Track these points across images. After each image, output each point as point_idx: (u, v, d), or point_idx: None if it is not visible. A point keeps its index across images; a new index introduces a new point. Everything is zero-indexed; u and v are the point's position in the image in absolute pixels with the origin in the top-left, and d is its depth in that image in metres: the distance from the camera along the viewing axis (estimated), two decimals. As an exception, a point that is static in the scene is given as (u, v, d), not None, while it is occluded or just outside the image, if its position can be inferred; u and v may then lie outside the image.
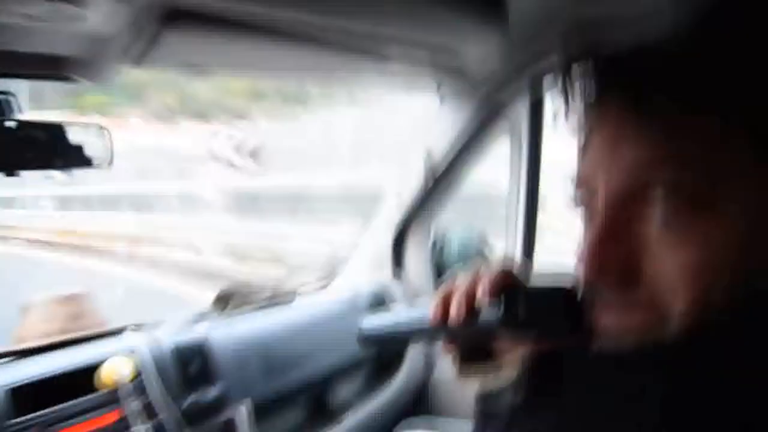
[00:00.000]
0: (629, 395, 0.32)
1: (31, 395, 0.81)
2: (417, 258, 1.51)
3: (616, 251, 0.33)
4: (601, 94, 0.35)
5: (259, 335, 1.13)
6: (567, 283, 0.39)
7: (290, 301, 1.34)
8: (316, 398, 1.24)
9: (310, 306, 1.32)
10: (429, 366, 1.47)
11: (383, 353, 1.36)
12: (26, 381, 0.83)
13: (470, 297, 0.44)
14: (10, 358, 0.90)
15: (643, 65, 0.33)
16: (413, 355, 1.42)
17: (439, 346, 0.53)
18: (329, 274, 1.62)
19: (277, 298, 1.32)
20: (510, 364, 0.48)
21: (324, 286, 1.58)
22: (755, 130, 0.30)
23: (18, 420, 0.78)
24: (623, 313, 0.35)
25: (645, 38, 0.34)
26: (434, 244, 1.55)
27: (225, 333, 1.08)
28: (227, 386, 1.00)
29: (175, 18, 0.60)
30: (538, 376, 0.43)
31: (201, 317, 1.21)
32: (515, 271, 0.44)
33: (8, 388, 0.80)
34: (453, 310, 0.44)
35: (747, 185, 0.30)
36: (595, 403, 0.34)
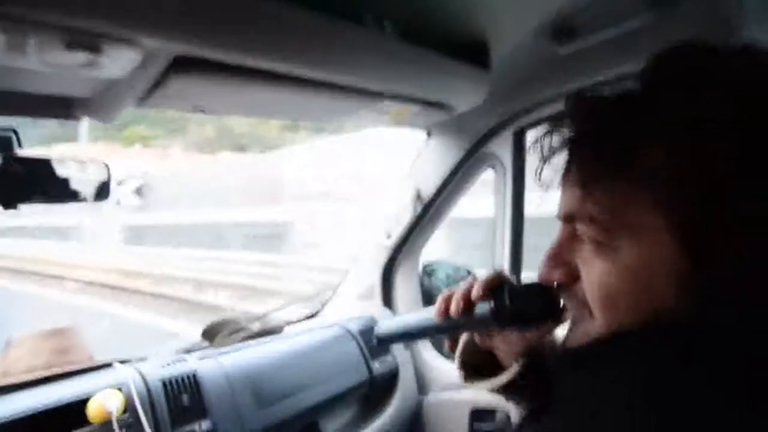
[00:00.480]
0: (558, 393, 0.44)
1: (22, 431, 0.80)
2: (406, 288, 1.54)
3: (557, 265, 0.45)
4: (563, 152, 0.45)
5: (249, 367, 1.13)
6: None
7: (279, 332, 1.34)
8: (310, 428, 1.23)
9: (300, 336, 1.32)
10: (422, 393, 1.47)
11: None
12: (12, 417, 0.82)
13: (467, 294, 0.54)
14: (-4, 393, 0.88)
15: (582, 137, 0.42)
16: (405, 383, 1.43)
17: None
18: (318, 304, 1.63)
19: (266, 329, 1.32)
20: (507, 366, 0.59)
21: (312, 316, 1.59)
22: (655, 190, 0.37)
23: (4, 458, 0.77)
24: (571, 315, 0.46)
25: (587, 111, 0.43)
26: (422, 274, 1.58)
27: (214, 365, 1.08)
28: (217, 420, 0.99)
29: (182, 64, 0.64)
30: (532, 376, 0.57)
31: (190, 350, 1.21)
32: (503, 273, 0.55)
33: None
34: (453, 305, 0.55)
35: (643, 239, 0.38)
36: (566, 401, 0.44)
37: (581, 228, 0.41)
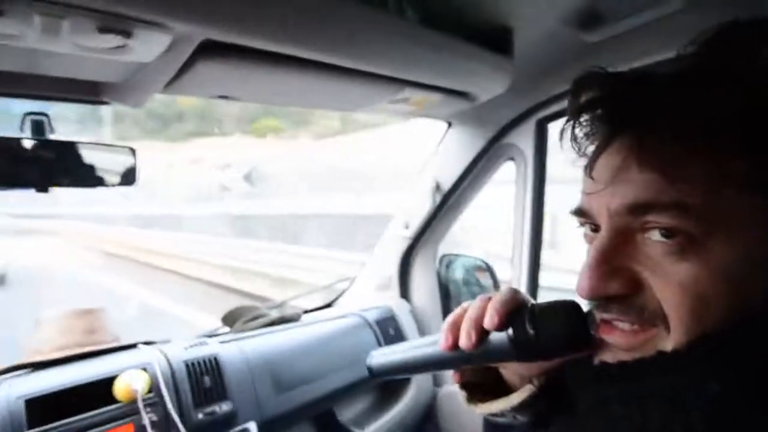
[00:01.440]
0: (634, 403, 0.36)
1: (47, 406, 0.83)
2: (423, 279, 1.54)
3: (611, 274, 0.37)
4: (606, 139, 0.38)
5: (268, 353, 1.15)
6: (571, 300, 0.42)
7: (297, 320, 1.36)
8: (327, 415, 1.25)
9: (318, 324, 1.33)
10: (437, 384, 1.48)
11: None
12: (42, 393, 0.85)
13: (479, 320, 0.44)
14: (28, 370, 0.92)
15: (645, 109, 0.36)
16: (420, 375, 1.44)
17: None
18: (335, 293, 1.65)
19: (284, 317, 1.34)
20: (519, 388, 0.50)
21: (329, 305, 1.60)
22: (755, 171, 0.33)
23: (37, 430, 0.80)
24: (622, 332, 0.38)
25: (645, 80, 0.38)
26: (439, 265, 1.58)
27: (235, 350, 1.10)
28: (237, 402, 1.02)
29: (208, 49, 0.65)
30: (550, 395, 0.47)
31: (210, 334, 1.24)
32: (521, 292, 0.46)
33: (24, 399, 0.82)
34: (463, 335, 0.44)
35: (739, 227, 0.33)
36: (604, 413, 0.38)
37: (663, 220, 0.34)
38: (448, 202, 1.41)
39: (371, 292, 1.57)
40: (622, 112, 0.37)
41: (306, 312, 1.47)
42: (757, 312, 0.33)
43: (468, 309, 0.46)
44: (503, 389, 0.52)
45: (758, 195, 0.33)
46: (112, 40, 0.54)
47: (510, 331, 0.43)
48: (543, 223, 1.26)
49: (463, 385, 0.54)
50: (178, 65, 0.67)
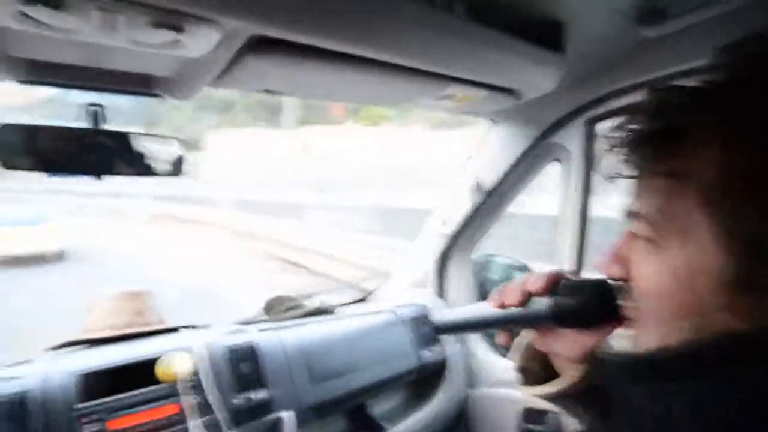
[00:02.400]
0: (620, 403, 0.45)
1: (99, 382, 0.88)
2: (460, 278, 1.52)
3: (615, 260, 0.45)
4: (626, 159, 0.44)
5: (305, 344, 1.16)
6: (606, 279, 0.48)
7: (332, 312, 1.38)
8: (358, 409, 1.26)
9: (354, 319, 1.34)
10: (470, 386, 1.46)
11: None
12: (93, 369, 0.90)
13: (524, 286, 0.53)
14: (81, 346, 0.97)
15: (637, 134, 0.41)
16: (454, 375, 1.42)
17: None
18: (371, 288, 1.65)
19: (319, 309, 1.36)
20: (565, 371, 0.58)
21: (363, 299, 1.61)
22: (705, 193, 0.36)
23: (86, 404, 0.85)
24: (629, 317, 0.45)
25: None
26: (477, 266, 1.55)
27: (273, 339, 1.13)
28: (274, 390, 1.04)
29: (257, 44, 0.66)
30: (587, 388, 0.55)
31: (248, 321, 1.27)
32: (563, 271, 0.54)
33: (81, 373, 0.87)
34: (509, 296, 0.54)
35: (689, 234, 0.37)
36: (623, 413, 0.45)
37: (635, 225, 0.42)
38: (489, 202, 1.38)
39: (407, 288, 1.57)
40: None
41: (341, 305, 1.48)
42: (719, 325, 0.36)
43: (516, 279, 0.55)
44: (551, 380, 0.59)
45: (705, 217, 0.36)
46: (165, 35, 0.56)
47: (549, 300, 0.51)
48: (587, 228, 1.21)
49: (520, 369, 0.63)
50: (227, 60, 0.68)
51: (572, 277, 0.52)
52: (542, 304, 0.51)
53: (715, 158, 0.36)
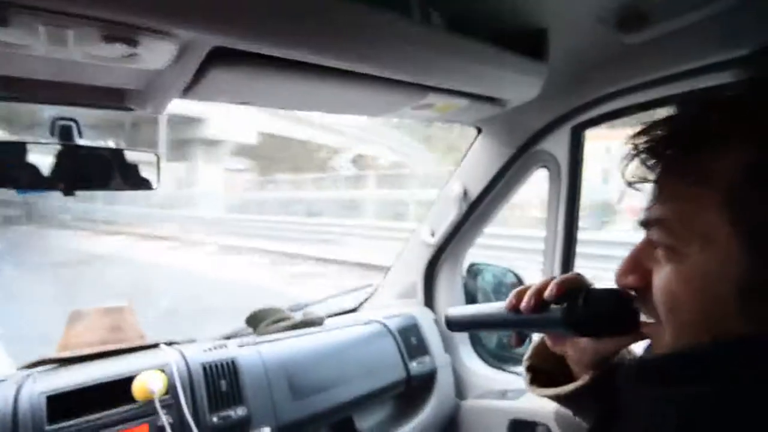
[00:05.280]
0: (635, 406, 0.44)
1: (67, 403, 0.85)
2: (448, 288, 1.50)
3: (632, 270, 0.44)
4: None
5: (287, 358, 1.14)
6: (622, 289, 0.46)
7: (320, 324, 1.35)
8: (346, 423, 1.23)
9: (339, 330, 1.32)
10: (460, 397, 1.43)
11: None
12: (63, 390, 0.87)
13: (540, 291, 0.52)
14: (52, 365, 0.95)
15: (659, 150, 0.41)
16: (443, 386, 1.39)
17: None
18: (359, 299, 1.63)
19: (307, 321, 1.33)
20: (576, 376, 0.57)
21: (353, 310, 1.59)
22: (727, 197, 0.36)
23: (57, 425, 0.82)
24: (647, 326, 0.44)
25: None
26: (466, 275, 1.53)
27: (253, 354, 1.10)
28: (253, 407, 1.01)
29: (220, 55, 0.64)
30: (598, 392, 0.54)
31: (231, 336, 1.25)
32: (584, 276, 0.53)
33: (46, 395, 0.85)
34: (524, 300, 0.53)
35: (710, 241, 0.36)
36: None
37: (653, 233, 0.41)
38: (476, 211, 1.36)
39: (394, 299, 1.54)
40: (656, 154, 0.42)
41: (330, 316, 1.46)
42: (736, 330, 0.36)
43: (532, 283, 0.55)
44: (563, 383, 0.59)
45: (728, 224, 0.35)
46: (120, 49, 0.54)
47: (564, 304, 0.49)
48: (576, 236, 1.19)
49: (529, 368, 0.63)
50: (191, 72, 0.66)
51: (589, 284, 0.51)
52: (557, 310, 0.50)
53: (739, 163, 0.35)
